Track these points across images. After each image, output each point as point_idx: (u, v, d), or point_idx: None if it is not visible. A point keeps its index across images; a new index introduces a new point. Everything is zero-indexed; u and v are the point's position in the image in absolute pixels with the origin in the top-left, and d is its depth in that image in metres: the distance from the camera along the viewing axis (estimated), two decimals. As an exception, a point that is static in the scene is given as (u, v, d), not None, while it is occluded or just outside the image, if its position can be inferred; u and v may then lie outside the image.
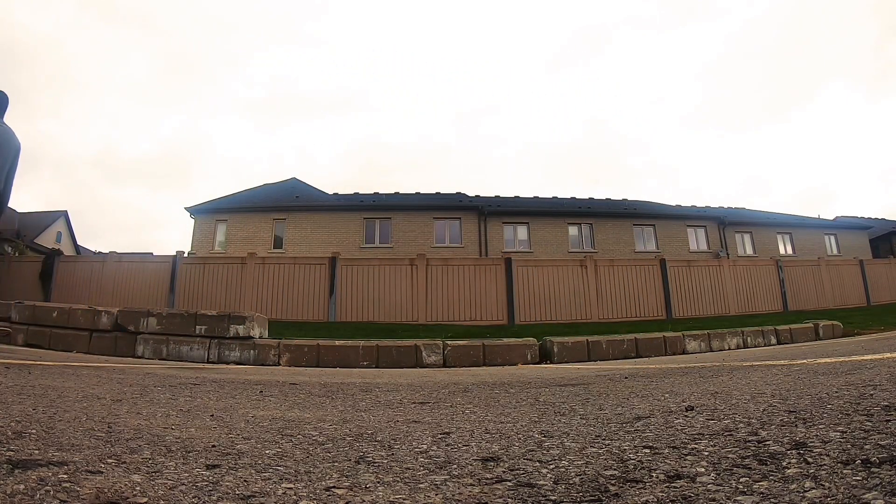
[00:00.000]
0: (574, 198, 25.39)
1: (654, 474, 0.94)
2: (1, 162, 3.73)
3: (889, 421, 1.17)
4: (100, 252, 19.51)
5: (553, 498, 0.85)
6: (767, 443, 1.09)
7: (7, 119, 3.80)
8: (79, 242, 31.50)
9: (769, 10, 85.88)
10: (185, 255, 14.80)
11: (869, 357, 3.05)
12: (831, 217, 29.14)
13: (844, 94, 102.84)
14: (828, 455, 0.95)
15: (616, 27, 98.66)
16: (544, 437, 1.38)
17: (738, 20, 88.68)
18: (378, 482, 0.97)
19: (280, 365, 5.92)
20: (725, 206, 26.35)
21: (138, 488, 0.87)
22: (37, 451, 1.08)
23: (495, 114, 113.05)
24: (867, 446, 0.98)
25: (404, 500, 0.86)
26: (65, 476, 0.91)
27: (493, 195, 24.79)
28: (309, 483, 0.96)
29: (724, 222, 23.35)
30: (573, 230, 22.55)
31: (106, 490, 0.84)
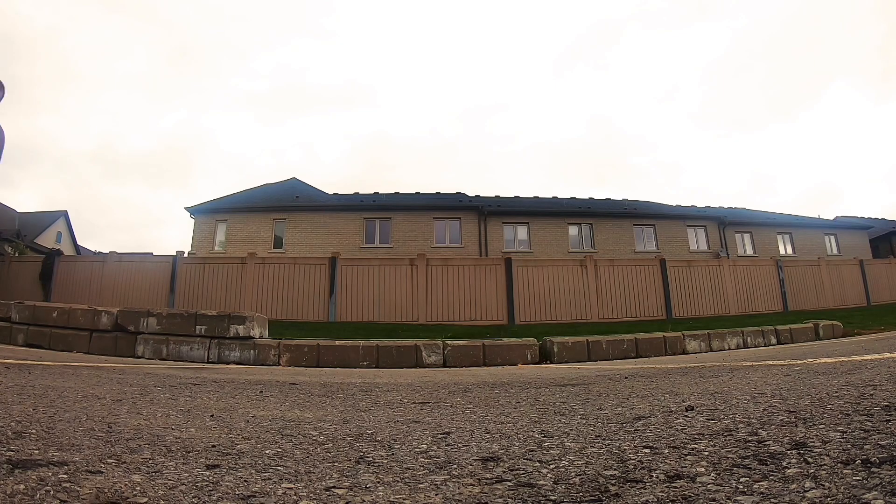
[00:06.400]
0: (574, 198, 25.40)
1: (654, 474, 0.94)
2: None
3: (889, 421, 1.17)
4: (100, 252, 19.51)
5: (553, 498, 0.85)
6: (767, 443, 1.09)
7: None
8: (78, 242, 31.52)
9: (776, 9, 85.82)
10: (185, 255, 14.80)
11: (869, 357, 3.05)
12: (831, 217, 29.15)
13: (850, 94, 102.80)
14: (828, 455, 0.95)
15: (625, 24, 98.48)
16: (544, 437, 1.38)
17: (745, 18, 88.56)
18: (378, 482, 0.97)
19: (280, 365, 5.92)
20: (726, 206, 26.36)
21: (138, 488, 0.87)
22: (37, 451, 1.08)
23: (502, 111, 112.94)
24: (867, 446, 0.98)
25: (404, 500, 0.86)
26: (65, 476, 0.91)
27: (493, 195, 24.80)
28: (309, 483, 0.96)
29: (724, 222, 23.34)
30: (573, 230, 22.55)
31: (106, 490, 0.84)
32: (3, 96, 3.85)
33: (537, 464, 1.08)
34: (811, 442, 1.06)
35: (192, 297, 13.07)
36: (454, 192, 24.56)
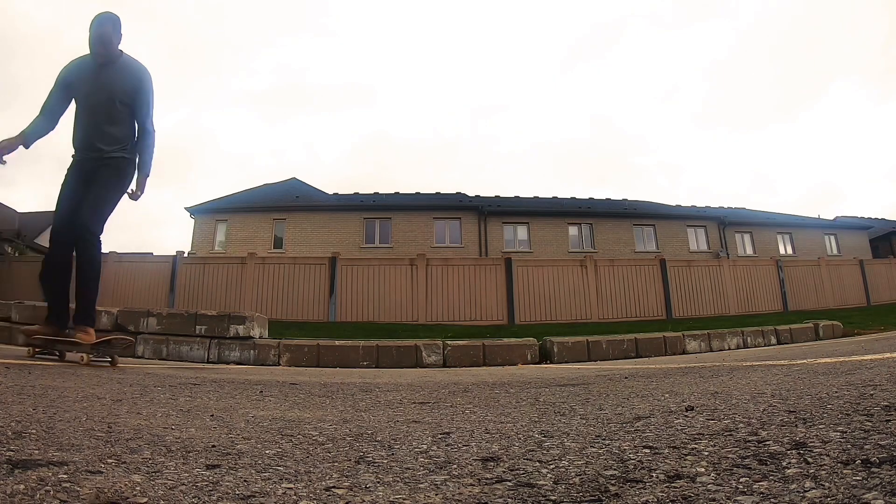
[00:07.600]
0: (574, 198, 25.41)
1: (654, 474, 0.94)
2: (136, 95, 3.72)
3: (889, 421, 1.17)
4: (100, 252, 19.47)
5: (553, 498, 0.85)
6: (767, 443, 1.09)
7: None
8: (79, 242, 31.46)
9: (778, 9, 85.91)
10: (185, 255, 14.80)
11: (869, 357, 3.05)
12: (831, 217, 29.17)
13: (851, 94, 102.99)
14: (828, 455, 0.95)
15: (626, 24, 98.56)
16: (544, 437, 1.38)
17: (746, 18, 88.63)
18: (378, 482, 0.97)
19: (280, 365, 5.92)
20: (726, 207, 26.37)
21: (138, 488, 0.87)
22: (37, 451, 1.08)
23: (502, 111, 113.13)
24: (867, 446, 0.98)
25: (404, 500, 0.86)
26: (65, 476, 0.91)
27: (493, 195, 24.81)
28: (309, 483, 0.96)
29: (724, 222, 23.35)
30: (573, 230, 22.56)
31: (106, 490, 0.84)
32: (120, 29, 3.57)
33: (537, 464, 1.08)
34: (811, 442, 1.06)
35: (192, 297, 13.07)
36: (454, 192, 24.57)
